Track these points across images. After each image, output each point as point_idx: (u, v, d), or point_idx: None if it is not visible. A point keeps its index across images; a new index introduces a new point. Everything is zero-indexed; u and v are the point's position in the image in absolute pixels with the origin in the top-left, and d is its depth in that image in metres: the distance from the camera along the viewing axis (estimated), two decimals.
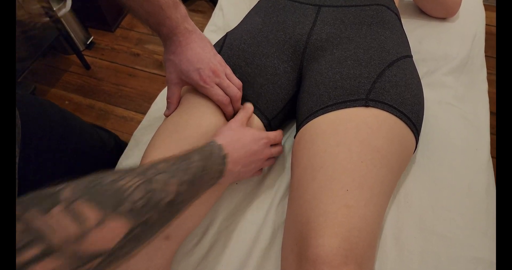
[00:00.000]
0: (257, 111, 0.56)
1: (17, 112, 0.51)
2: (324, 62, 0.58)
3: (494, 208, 0.54)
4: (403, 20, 0.72)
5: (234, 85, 0.53)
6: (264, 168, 0.56)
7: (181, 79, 0.53)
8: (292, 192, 0.50)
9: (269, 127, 0.58)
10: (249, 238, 0.53)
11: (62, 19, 1.37)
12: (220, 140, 0.45)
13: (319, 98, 0.54)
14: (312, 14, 0.61)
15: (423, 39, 0.75)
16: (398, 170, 0.49)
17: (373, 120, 0.49)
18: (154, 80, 1.46)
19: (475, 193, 0.55)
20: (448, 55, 0.72)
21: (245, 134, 0.48)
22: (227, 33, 0.66)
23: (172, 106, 0.56)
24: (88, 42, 1.55)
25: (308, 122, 0.54)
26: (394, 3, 0.68)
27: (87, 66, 1.49)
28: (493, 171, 0.59)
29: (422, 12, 0.79)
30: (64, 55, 1.54)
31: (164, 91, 0.79)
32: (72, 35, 1.46)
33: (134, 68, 1.51)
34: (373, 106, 0.50)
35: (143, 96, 1.42)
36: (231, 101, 0.53)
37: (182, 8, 0.52)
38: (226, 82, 0.52)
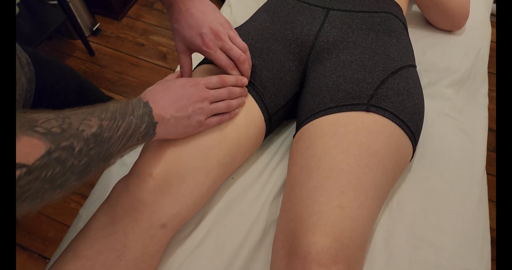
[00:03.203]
0: (261, 103, 0.56)
1: (33, 69, 0.52)
2: (329, 65, 0.58)
3: (484, 221, 0.55)
4: (409, 29, 0.73)
5: (238, 48, 0.51)
6: (225, 120, 0.50)
7: (187, 46, 0.52)
8: (288, 190, 0.50)
9: (269, 121, 0.58)
10: (242, 231, 0.53)
11: (70, 4, 1.37)
12: (144, 96, 0.45)
13: (321, 100, 0.55)
14: (321, 16, 0.62)
15: (428, 50, 0.76)
16: (393, 176, 0.50)
17: (373, 125, 0.50)
18: (156, 71, 1.47)
19: (467, 205, 0.56)
20: (451, 67, 0.73)
21: (173, 84, 0.47)
22: (234, 28, 0.66)
23: (186, 75, 0.54)
24: (94, 29, 1.54)
25: (308, 122, 0.54)
26: (402, 12, 0.69)
27: (91, 52, 1.49)
28: (486, 186, 0.60)
29: (428, 23, 0.80)
30: (69, 39, 1.54)
31: None
32: (79, 20, 1.45)
33: (137, 57, 1.51)
34: (374, 112, 0.51)
35: (144, 86, 1.42)
36: (236, 64, 0.51)
37: None
38: (228, 45, 0.50)
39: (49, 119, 0.32)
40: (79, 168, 0.34)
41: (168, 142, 0.48)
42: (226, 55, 0.51)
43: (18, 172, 0.28)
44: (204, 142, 0.49)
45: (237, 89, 0.51)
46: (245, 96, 0.54)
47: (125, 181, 0.48)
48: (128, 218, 0.44)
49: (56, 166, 0.31)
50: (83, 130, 0.34)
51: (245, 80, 0.52)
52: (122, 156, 0.43)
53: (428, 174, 0.59)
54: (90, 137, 0.34)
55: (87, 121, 0.35)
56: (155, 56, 1.51)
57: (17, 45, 0.52)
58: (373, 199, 0.46)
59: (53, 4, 1.36)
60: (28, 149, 0.29)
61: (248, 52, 0.53)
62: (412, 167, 0.60)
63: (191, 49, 0.53)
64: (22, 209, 0.30)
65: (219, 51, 0.50)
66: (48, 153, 0.30)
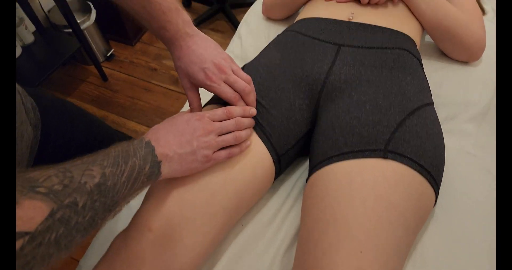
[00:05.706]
0: (269, 144, 0.54)
1: (38, 114, 0.52)
2: (342, 104, 0.56)
3: None
4: (423, 61, 0.71)
5: (242, 80, 0.51)
6: (232, 155, 0.49)
7: (192, 82, 0.52)
8: (301, 244, 0.48)
9: (278, 163, 0.56)
10: None
11: (85, 31, 1.41)
12: (146, 135, 0.45)
13: (335, 143, 0.53)
14: (332, 53, 0.61)
15: (444, 82, 0.73)
16: (415, 229, 0.47)
17: (392, 174, 0.47)
18: (168, 95, 1.48)
19: (493, 254, 0.51)
20: (469, 100, 0.70)
21: (178, 119, 0.46)
22: (244, 65, 0.65)
23: (196, 111, 0.54)
24: (108, 54, 1.58)
25: (322, 167, 0.52)
26: (416, 47, 0.66)
27: (104, 77, 1.51)
28: None
29: (443, 54, 0.78)
30: (83, 65, 1.57)
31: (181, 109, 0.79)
32: (93, 47, 1.49)
33: (150, 82, 1.52)
34: (392, 159, 0.48)
35: (156, 111, 1.43)
36: (241, 96, 0.51)
37: (185, 14, 0.52)
38: (232, 77, 0.50)
39: (49, 176, 0.31)
40: (84, 225, 0.32)
41: (168, 189, 0.47)
42: (231, 88, 0.51)
43: (20, 242, 0.26)
44: (207, 187, 0.47)
45: (245, 120, 0.50)
46: (253, 126, 0.53)
47: (124, 235, 0.46)
48: None
49: (59, 227, 0.29)
50: (85, 182, 0.32)
51: (253, 110, 0.52)
52: (129, 202, 0.41)
53: (452, 221, 0.55)
54: (94, 188, 0.33)
55: (89, 171, 0.34)
56: (167, 80, 1.53)
57: (22, 89, 0.51)
58: (394, 258, 0.43)
59: (68, 32, 1.40)
60: (31, 213, 0.28)
61: (252, 84, 0.52)
62: (435, 213, 0.56)
63: (196, 84, 0.52)
64: None
65: (223, 84, 0.50)
66: (51, 214, 0.29)
